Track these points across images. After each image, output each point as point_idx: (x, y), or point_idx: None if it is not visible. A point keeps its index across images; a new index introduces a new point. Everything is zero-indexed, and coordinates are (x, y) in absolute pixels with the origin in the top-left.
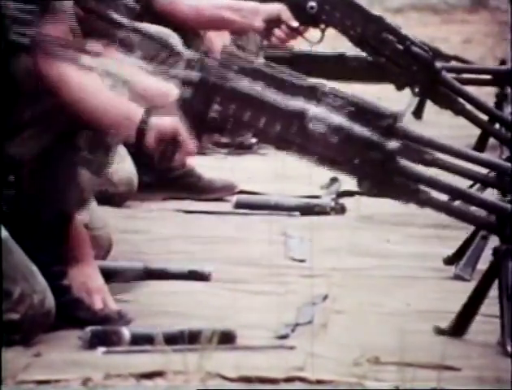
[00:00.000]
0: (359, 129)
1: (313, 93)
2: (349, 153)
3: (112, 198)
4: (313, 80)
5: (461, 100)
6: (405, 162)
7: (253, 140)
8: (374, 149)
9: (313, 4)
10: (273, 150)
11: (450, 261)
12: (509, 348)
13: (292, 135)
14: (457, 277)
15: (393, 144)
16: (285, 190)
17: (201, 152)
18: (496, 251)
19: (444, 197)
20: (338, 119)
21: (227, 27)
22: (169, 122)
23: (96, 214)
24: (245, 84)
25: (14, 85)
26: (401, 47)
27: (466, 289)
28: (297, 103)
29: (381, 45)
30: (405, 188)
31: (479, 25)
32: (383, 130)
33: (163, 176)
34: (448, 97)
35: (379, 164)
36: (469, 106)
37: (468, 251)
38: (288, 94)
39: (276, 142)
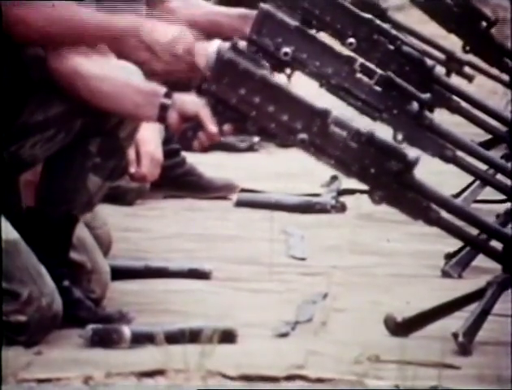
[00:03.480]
0: (381, 137)
1: (350, 63)
2: (367, 160)
3: (124, 195)
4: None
5: (455, 97)
6: (420, 179)
7: (255, 139)
8: (393, 158)
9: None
10: (274, 149)
11: (451, 257)
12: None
13: (312, 134)
14: (445, 274)
15: (413, 155)
16: (286, 188)
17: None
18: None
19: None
20: (359, 126)
21: (219, 33)
22: (192, 101)
23: (96, 213)
24: (273, 77)
25: (22, 81)
26: (392, 48)
27: (466, 288)
28: (320, 104)
29: (373, 46)
30: (416, 204)
31: None
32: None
33: (164, 175)
34: (442, 96)
35: (395, 176)
36: (464, 104)
37: (464, 250)
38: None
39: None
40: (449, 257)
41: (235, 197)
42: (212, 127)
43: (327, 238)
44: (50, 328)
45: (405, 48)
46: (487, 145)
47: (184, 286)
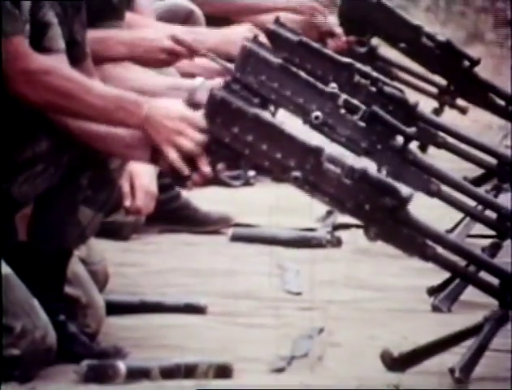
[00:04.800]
0: (374, 173)
1: (333, 99)
2: (361, 197)
3: (119, 229)
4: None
5: (441, 133)
6: (415, 214)
7: (251, 173)
8: (388, 195)
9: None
10: (270, 183)
11: (433, 292)
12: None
13: (306, 172)
14: (435, 308)
15: (407, 190)
16: (281, 223)
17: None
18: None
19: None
20: (353, 161)
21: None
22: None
23: (93, 249)
24: (266, 114)
25: (14, 118)
26: (374, 89)
27: (462, 323)
28: (314, 140)
29: (355, 90)
30: (411, 240)
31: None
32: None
33: (160, 209)
34: (427, 132)
35: (390, 212)
36: (451, 139)
37: (453, 283)
38: (311, 96)
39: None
40: (432, 291)
41: (230, 231)
42: (205, 168)
43: (323, 272)
44: (45, 362)
45: (387, 88)
46: (480, 179)
47: (179, 321)
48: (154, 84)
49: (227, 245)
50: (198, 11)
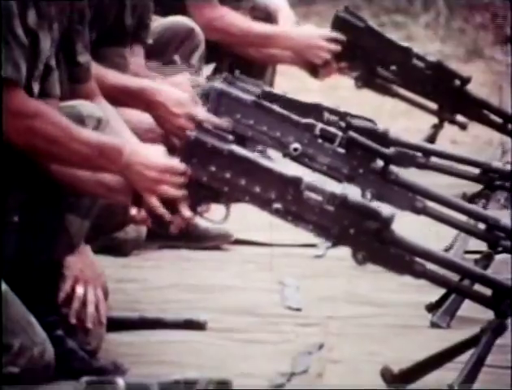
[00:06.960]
0: (354, 197)
1: (310, 129)
2: (345, 222)
3: (121, 246)
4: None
5: (418, 154)
6: (400, 234)
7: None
8: (369, 218)
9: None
10: None
11: (432, 308)
12: None
13: (287, 203)
14: (434, 325)
15: (389, 211)
16: (281, 239)
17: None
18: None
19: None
20: (333, 187)
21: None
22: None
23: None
24: (242, 149)
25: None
26: (343, 124)
27: (462, 339)
28: (292, 171)
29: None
30: (400, 259)
31: (475, 75)
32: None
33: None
34: (406, 155)
35: (375, 234)
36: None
37: (449, 299)
38: (287, 129)
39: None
40: (431, 308)
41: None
42: (186, 212)
43: (323, 288)
44: (43, 379)
45: (356, 121)
46: (478, 195)
47: (179, 337)
48: (138, 122)
49: (227, 261)
50: (198, 29)
